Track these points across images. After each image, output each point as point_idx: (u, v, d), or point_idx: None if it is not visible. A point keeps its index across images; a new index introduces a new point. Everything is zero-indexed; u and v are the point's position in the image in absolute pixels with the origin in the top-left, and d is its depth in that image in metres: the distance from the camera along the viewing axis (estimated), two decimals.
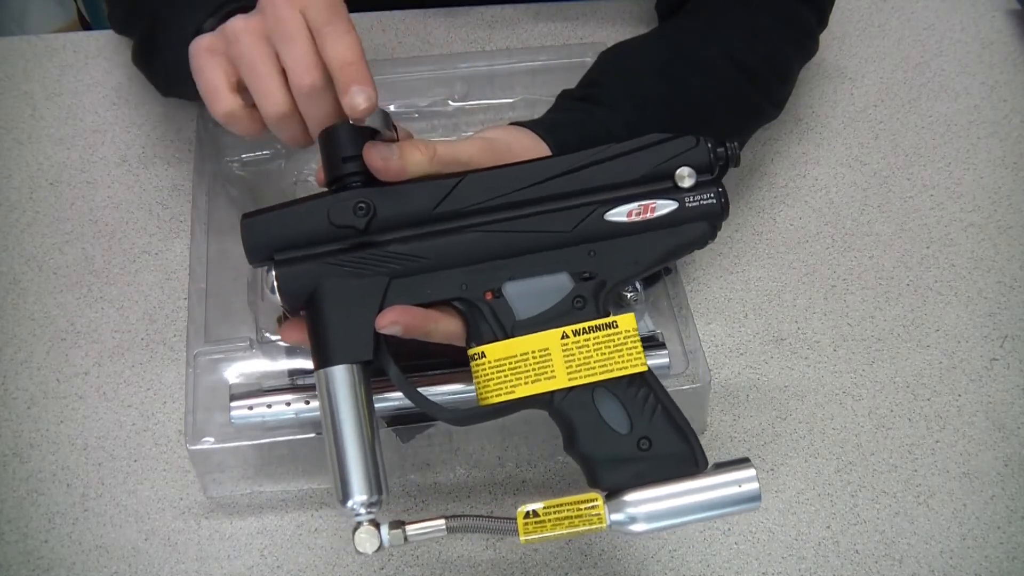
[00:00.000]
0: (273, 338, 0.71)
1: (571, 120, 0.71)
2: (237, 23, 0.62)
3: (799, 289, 0.81)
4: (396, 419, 0.67)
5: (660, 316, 0.72)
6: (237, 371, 0.69)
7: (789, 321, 0.79)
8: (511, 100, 0.86)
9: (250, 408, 0.66)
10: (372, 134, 0.58)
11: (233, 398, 0.66)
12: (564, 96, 0.75)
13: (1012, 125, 0.91)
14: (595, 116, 0.71)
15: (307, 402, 0.66)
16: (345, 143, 0.59)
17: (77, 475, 0.71)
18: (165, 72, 0.81)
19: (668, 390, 0.68)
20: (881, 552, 0.68)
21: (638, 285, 0.71)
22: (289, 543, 0.68)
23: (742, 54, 0.78)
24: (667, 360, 0.69)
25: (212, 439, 0.66)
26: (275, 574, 0.67)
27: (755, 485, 0.56)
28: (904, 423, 0.74)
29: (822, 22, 0.87)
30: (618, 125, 0.70)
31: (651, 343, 0.70)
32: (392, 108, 0.84)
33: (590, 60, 0.83)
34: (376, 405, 0.66)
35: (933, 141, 0.90)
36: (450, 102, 0.85)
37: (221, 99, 0.63)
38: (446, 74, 0.85)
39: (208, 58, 0.63)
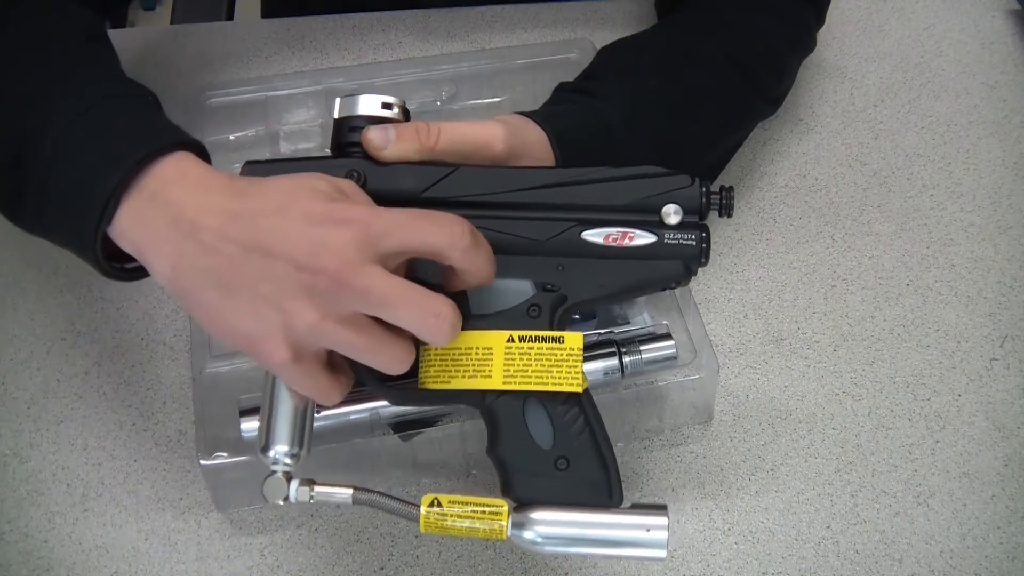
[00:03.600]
0: None
1: (568, 111, 0.71)
2: (306, 321, 0.52)
3: (799, 289, 0.81)
4: (400, 425, 0.68)
5: (666, 310, 0.72)
6: (244, 384, 0.69)
7: (789, 321, 0.79)
8: (498, 100, 0.86)
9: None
10: (387, 108, 0.60)
11: (243, 413, 0.66)
12: (561, 88, 0.75)
13: (1012, 125, 0.91)
14: (591, 107, 0.71)
15: (318, 411, 0.66)
16: (356, 113, 0.60)
17: (77, 475, 0.71)
18: (42, 228, 0.62)
19: (676, 380, 0.69)
20: (881, 552, 0.68)
21: None
22: (289, 543, 0.68)
23: (738, 50, 0.78)
24: (674, 351, 0.69)
25: (225, 454, 0.66)
26: (275, 574, 0.67)
27: (663, 534, 0.55)
28: (904, 423, 0.74)
29: (820, 20, 0.87)
30: (614, 117, 0.70)
31: (657, 335, 0.70)
32: None
33: (575, 57, 0.84)
34: (378, 410, 0.67)
35: (933, 141, 0.90)
36: (438, 103, 0.85)
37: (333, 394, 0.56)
38: (433, 76, 0.85)
39: (303, 371, 0.54)
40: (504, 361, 0.58)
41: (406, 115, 0.61)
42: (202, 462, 0.65)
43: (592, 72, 0.76)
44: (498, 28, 0.97)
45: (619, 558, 0.65)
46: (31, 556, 0.68)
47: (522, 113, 0.68)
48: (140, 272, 0.59)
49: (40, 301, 0.79)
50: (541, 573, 0.67)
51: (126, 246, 0.57)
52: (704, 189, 0.60)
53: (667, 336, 0.70)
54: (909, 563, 0.68)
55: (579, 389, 0.58)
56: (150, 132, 0.58)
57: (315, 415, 0.66)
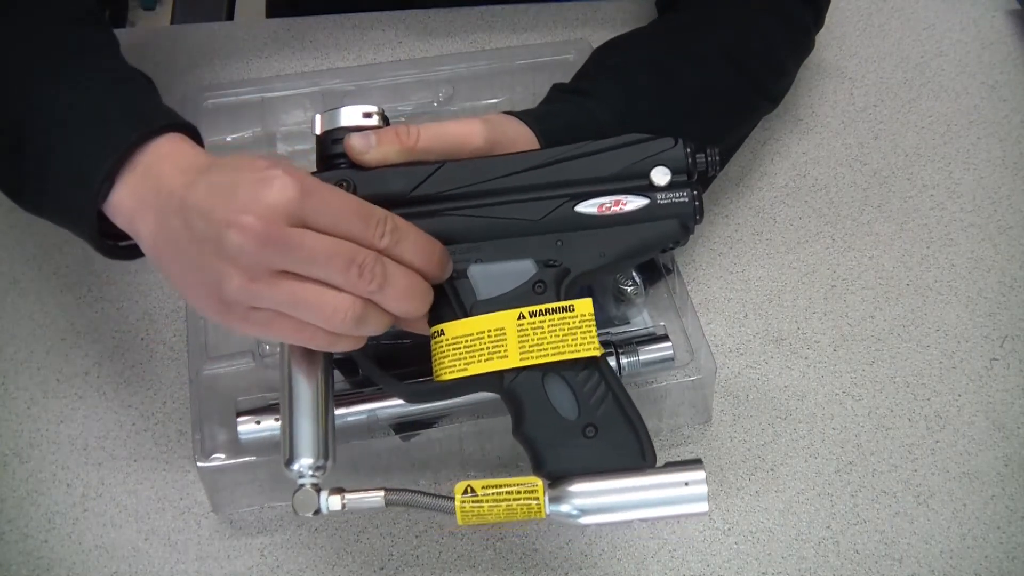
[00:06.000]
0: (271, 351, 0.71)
1: (560, 111, 0.71)
2: (233, 283, 0.53)
3: (799, 289, 0.81)
4: (401, 426, 0.68)
5: (663, 310, 0.73)
6: (241, 386, 0.69)
7: (789, 321, 0.79)
8: (496, 101, 0.86)
9: (257, 423, 0.66)
10: (368, 117, 0.61)
11: (240, 414, 0.66)
12: (556, 88, 0.75)
13: (1012, 125, 0.91)
14: (584, 107, 0.71)
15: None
16: (339, 126, 0.61)
17: (77, 475, 0.71)
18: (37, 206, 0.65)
19: (674, 382, 0.69)
20: (881, 552, 0.68)
21: (638, 279, 0.72)
22: (289, 543, 0.68)
23: (735, 49, 0.78)
24: (671, 352, 0.69)
25: (223, 456, 0.66)
26: (275, 574, 0.67)
27: (703, 488, 0.55)
28: (904, 423, 0.74)
29: (818, 22, 0.87)
30: (607, 116, 0.70)
31: (654, 336, 0.70)
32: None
33: (573, 58, 0.84)
34: (376, 412, 0.67)
35: (933, 141, 0.90)
36: (435, 104, 0.85)
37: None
38: (430, 76, 0.85)
39: (258, 323, 0.55)
40: (518, 338, 0.58)
41: (386, 122, 0.62)
42: (199, 464, 0.65)
43: (586, 71, 0.76)
44: (497, 28, 0.97)
45: (661, 519, 0.63)
46: (31, 556, 0.68)
47: (513, 113, 0.68)
48: (136, 251, 0.62)
49: (40, 301, 0.79)
50: (541, 572, 0.67)
51: (120, 220, 0.60)
52: (689, 149, 0.61)
53: (664, 337, 0.70)
54: (909, 563, 0.68)
55: (597, 353, 0.58)
56: (147, 114, 0.61)
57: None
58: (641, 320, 0.72)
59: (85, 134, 0.60)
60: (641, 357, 0.69)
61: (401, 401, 0.67)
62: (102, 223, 0.61)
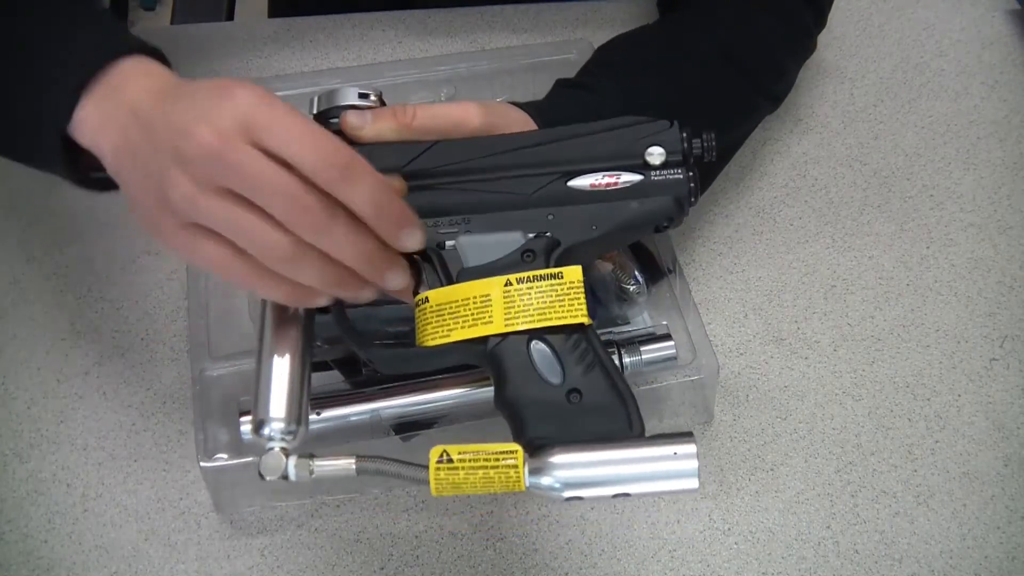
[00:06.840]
0: None
1: (561, 105, 0.71)
2: (180, 190, 0.52)
3: (799, 289, 0.81)
4: (401, 426, 0.68)
5: (665, 310, 0.73)
6: (244, 385, 0.68)
7: (789, 321, 0.79)
8: (496, 100, 0.86)
9: None
10: (364, 98, 0.61)
11: (243, 413, 0.66)
12: (558, 84, 0.76)
13: (1012, 125, 0.91)
14: (585, 103, 0.71)
15: (318, 412, 0.66)
16: (336, 105, 0.61)
17: (77, 475, 0.71)
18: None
19: (676, 381, 0.68)
20: (881, 552, 0.68)
21: (640, 278, 0.72)
22: (289, 543, 0.68)
23: (736, 48, 0.78)
24: (674, 351, 0.69)
25: (225, 456, 0.66)
26: (275, 574, 0.67)
27: (694, 462, 0.51)
28: (904, 423, 0.74)
29: (820, 22, 0.87)
30: (607, 113, 0.70)
31: (656, 336, 0.70)
32: None
33: (574, 57, 0.84)
34: (379, 411, 0.67)
35: (933, 141, 0.90)
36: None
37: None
38: (431, 76, 0.85)
39: (189, 240, 0.54)
40: (504, 304, 0.56)
41: (383, 104, 0.62)
42: (202, 464, 0.65)
43: (588, 68, 0.77)
44: (498, 28, 0.97)
45: (648, 495, 0.60)
46: (31, 556, 0.68)
47: (514, 103, 0.68)
48: (106, 183, 0.60)
49: (40, 301, 0.79)
50: (541, 573, 0.67)
51: (84, 138, 0.58)
52: (685, 133, 0.60)
53: (667, 337, 0.70)
54: (909, 563, 0.68)
55: (585, 320, 0.56)
56: (115, 36, 0.61)
57: (317, 415, 0.66)
58: (643, 319, 0.72)
59: (51, 55, 0.59)
60: (643, 356, 0.69)
61: (402, 401, 0.67)
62: (70, 155, 0.59)
